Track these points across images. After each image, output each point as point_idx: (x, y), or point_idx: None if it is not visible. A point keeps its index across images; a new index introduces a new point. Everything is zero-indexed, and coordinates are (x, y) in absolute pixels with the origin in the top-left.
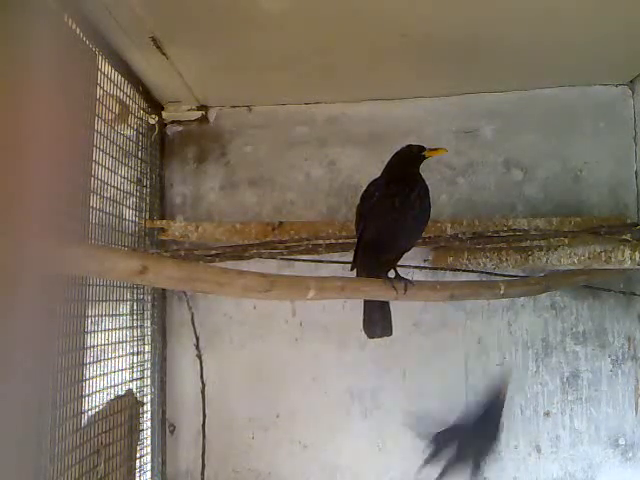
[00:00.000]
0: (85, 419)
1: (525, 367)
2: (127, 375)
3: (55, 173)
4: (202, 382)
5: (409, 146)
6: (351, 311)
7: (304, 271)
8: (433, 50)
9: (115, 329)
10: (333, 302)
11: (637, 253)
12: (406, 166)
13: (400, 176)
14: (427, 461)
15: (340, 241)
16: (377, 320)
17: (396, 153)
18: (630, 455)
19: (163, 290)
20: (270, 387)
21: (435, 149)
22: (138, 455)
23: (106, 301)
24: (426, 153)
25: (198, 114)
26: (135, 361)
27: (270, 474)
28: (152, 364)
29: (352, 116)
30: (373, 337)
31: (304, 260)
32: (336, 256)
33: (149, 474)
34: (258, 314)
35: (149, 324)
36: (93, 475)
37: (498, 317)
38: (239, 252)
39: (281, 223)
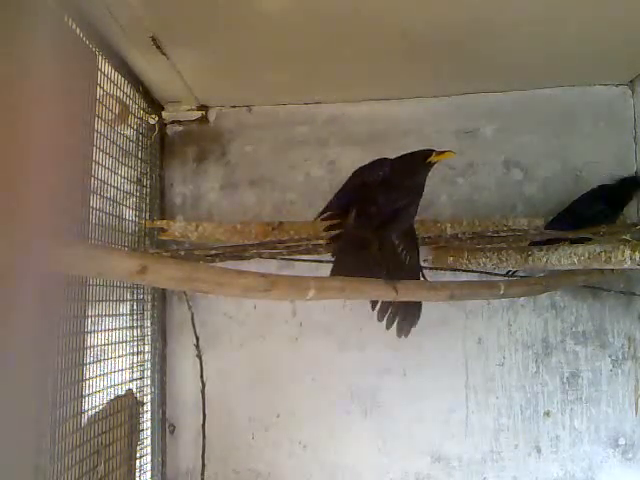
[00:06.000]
0: (85, 419)
1: (525, 367)
2: (127, 375)
3: (55, 173)
4: (202, 382)
5: (414, 153)
6: (351, 311)
7: (304, 271)
8: (433, 50)
9: (115, 329)
10: (333, 302)
11: (637, 253)
12: (409, 175)
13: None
14: None
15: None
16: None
17: (402, 157)
18: (630, 455)
19: (163, 290)
20: (270, 387)
21: (442, 152)
22: (138, 455)
23: (106, 301)
24: (433, 158)
25: (198, 114)
26: (135, 361)
27: (270, 474)
28: (152, 364)
29: (352, 116)
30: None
31: (304, 260)
32: None
33: (149, 474)
34: (258, 314)
35: (149, 324)
36: (93, 475)
37: (498, 317)
38: (239, 252)
39: (281, 223)
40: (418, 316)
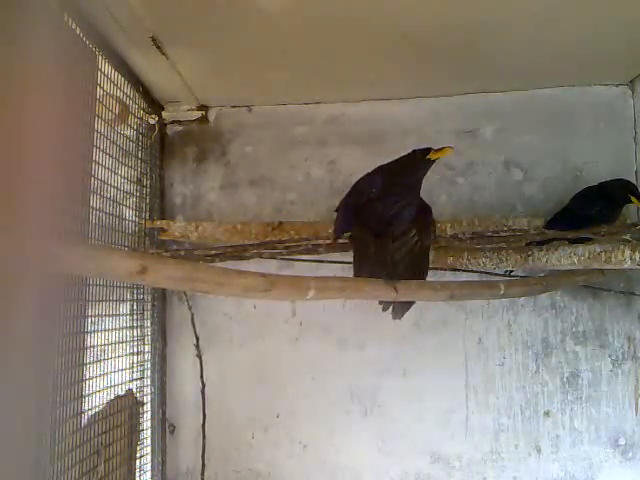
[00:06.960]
0: (85, 419)
1: (525, 367)
2: (127, 375)
3: (55, 173)
4: (202, 382)
5: (414, 152)
6: (351, 311)
7: (304, 271)
8: (433, 50)
9: (115, 329)
10: (333, 302)
11: (637, 253)
12: (409, 173)
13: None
14: None
15: (340, 241)
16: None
17: (398, 159)
18: (630, 455)
19: (163, 290)
20: (270, 387)
21: (440, 149)
22: (138, 455)
23: (106, 301)
24: (432, 155)
25: (198, 114)
26: (135, 361)
27: (270, 474)
28: (152, 364)
29: (352, 116)
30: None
31: (304, 260)
32: (336, 256)
33: (149, 474)
34: (258, 314)
35: (149, 324)
36: (93, 475)
37: (498, 317)
38: (239, 252)
39: (281, 223)
40: (412, 302)
